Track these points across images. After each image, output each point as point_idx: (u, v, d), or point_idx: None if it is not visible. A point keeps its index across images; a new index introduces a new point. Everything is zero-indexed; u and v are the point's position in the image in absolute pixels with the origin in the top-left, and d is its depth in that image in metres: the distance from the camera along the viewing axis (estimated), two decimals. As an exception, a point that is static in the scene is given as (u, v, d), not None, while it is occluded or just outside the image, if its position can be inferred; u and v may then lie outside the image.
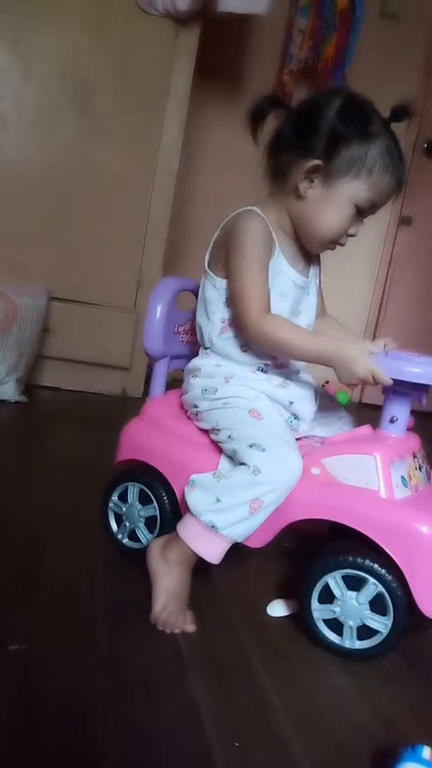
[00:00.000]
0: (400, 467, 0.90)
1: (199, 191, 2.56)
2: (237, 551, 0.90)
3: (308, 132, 0.93)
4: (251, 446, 0.88)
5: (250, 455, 0.87)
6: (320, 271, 1.10)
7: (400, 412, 0.94)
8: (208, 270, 1.02)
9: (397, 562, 0.83)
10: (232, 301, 0.97)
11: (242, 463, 0.88)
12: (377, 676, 0.85)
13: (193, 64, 2.13)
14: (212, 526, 0.86)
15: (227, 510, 0.86)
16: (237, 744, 0.68)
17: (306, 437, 1.05)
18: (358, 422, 1.06)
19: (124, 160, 2.15)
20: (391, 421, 0.94)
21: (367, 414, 1.10)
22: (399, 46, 2.68)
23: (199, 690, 0.76)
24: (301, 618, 0.90)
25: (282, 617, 0.95)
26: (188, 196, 2.49)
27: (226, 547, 0.88)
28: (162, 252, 2.25)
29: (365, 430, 0.98)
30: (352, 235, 0.98)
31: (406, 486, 0.90)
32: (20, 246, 2.10)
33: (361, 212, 0.95)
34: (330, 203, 0.94)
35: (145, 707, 0.72)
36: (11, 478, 1.38)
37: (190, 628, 0.88)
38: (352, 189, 0.93)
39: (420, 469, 0.96)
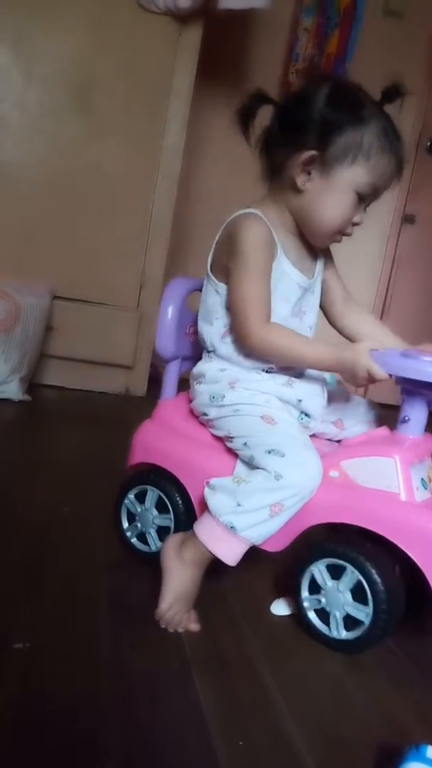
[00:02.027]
0: (420, 469, 0.90)
1: (202, 191, 2.56)
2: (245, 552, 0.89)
3: (299, 124, 0.92)
4: (270, 452, 0.87)
5: (269, 461, 0.87)
6: (333, 263, 1.08)
7: (412, 412, 0.93)
8: (210, 274, 1.01)
9: (419, 564, 0.82)
10: (231, 310, 0.96)
11: (260, 468, 0.88)
12: (382, 675, 0.85)
13: (196, 64, 2.13)
14: (231, 527, 0.85)
15: (247, 512, 0.85)
16: (241, 743, 0.68)
17: (317, 434, 1.04)
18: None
19: (127, 160, 2.15)
20: (403, 420, 0.93)
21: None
22: (403, 44, 2.67)
23: (203, 689, 0.76)
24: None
25: (286, 616, 0.95)
26: (191, 195, 2.49)
27: (244, 549, 0.88)
28: (165, 252, 2.25)
29: (382, 431, 0.97)
30: (356, 224, 0.96)
31: (425, 488, 0.89)
32: (23, 245, 2.11)
33: (363, 198, 0.93)
34: (330, 193, 0.92)
35: (148, 706, 0.72)
36: (16, 476, 1.38)
37: (194, 627, 0.87)
38: (352, 175, 0.91)
39: None
